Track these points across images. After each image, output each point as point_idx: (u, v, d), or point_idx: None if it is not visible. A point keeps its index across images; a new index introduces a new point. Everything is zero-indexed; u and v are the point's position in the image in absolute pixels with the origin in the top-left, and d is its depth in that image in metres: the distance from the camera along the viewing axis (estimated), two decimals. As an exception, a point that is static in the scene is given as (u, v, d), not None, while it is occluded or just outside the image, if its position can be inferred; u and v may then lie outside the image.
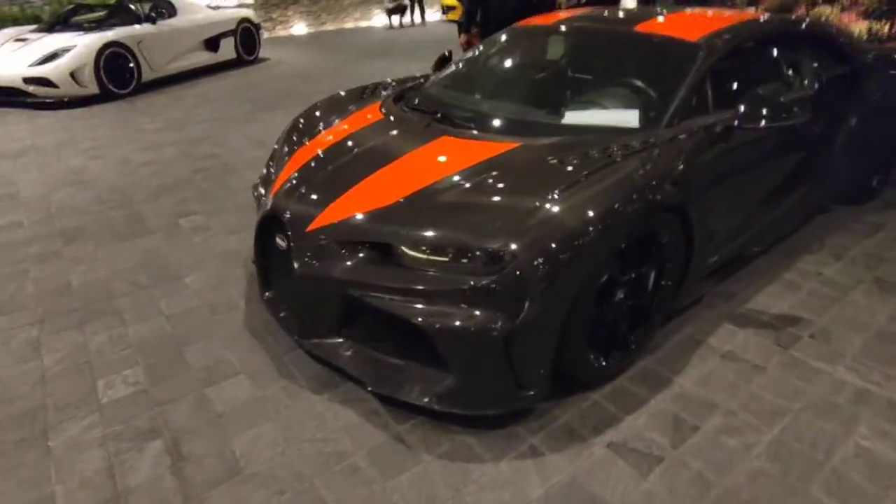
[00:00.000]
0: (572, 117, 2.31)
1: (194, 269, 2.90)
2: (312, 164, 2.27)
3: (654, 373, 2.09)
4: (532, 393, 1.79)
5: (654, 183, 1.86)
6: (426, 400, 1.79)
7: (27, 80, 6.13)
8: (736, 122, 2.15)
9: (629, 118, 2.23)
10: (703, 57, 2.30)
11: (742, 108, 2.16)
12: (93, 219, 3.52)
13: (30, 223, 3.49)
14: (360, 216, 1.90)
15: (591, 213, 1.71)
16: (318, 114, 2.84)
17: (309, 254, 1.93)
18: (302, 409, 1.96)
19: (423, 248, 1.75)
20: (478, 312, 1.65)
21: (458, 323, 1.65)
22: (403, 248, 1.78)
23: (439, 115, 2.41)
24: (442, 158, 2.09)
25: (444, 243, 1.73)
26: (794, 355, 2.17)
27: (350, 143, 2.34)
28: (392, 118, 2.49)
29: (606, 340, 1.97)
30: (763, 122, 2.16)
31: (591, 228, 1.69)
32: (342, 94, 3.06)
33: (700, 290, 2.44)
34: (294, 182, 2.21)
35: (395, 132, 2.34)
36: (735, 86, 2.41)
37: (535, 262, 1.62)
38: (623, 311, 1.98)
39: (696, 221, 2.07)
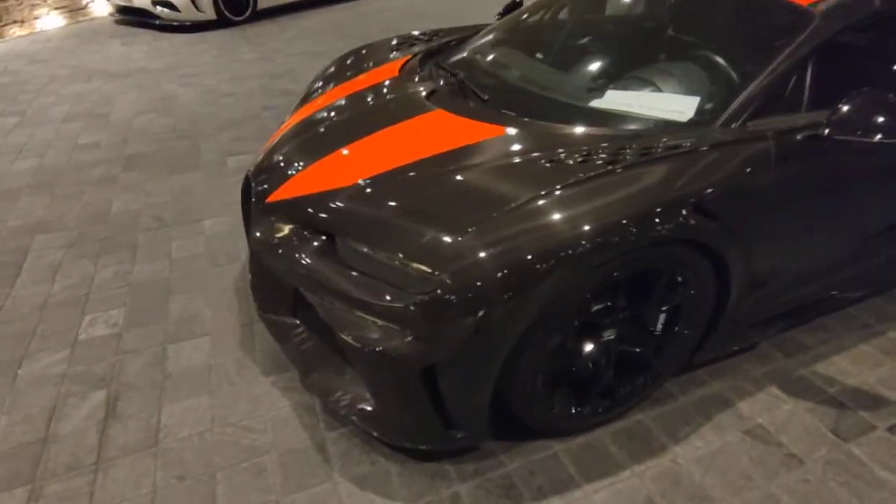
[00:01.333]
0: (605, 99, 1.83)
1: (217, 213, 2.90)
2: (301, 126, 2.06)
3: (646, 432, 1.69)
4: (461, 435, 1.51)
5: (669, 207, 1.40)
6: (351, 414, 1.59)
7: (155, 2, 6.56)
8: (826, 130, 1.55)
9: (679, 107, 1.71)
10: (815, 30, 1.66)
11: (844, 108, 1.53)
12: (158, 147, 3.69)
13: (106, 145, 3.75)
14: (315, 195, 1.68)
15: (555, 240, 1.33)
16: (348, 62, 2.60)
17: (263, 228, 1.77)
18: (244, 388, 1.87)
19: (363, 246, 1.50)
20: (400, 336, 1.39)
21: (377, 344, 1.40)
22: (346, 241, 1.54)
23: (454, 81, 2.06)
24: (424, 136, 1.77)
25: (380, 247, 1.46)
26: (852, 452, 1.63)
27: (344, 106, 2.09)
28: (403, 79, 2.18)
29: (582, 385, 1.62)
30: (878, 135, 1.55)
31: (552, 260, 1.31)
32: (393, 41, 2.77)
33: (749, 338, 1.92)
34: (277, 143, 2.02)
35: (394, 97, 2.03)
36: (849, 76, 1.75)
37: (469, 290, 1.30)
38: (609, 354, 1.60)
39: (739, 264, 1.57)
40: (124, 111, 4.32)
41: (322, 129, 1.98)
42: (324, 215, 1.61)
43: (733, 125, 1.60)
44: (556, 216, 1.36)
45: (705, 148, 1.53)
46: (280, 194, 1.77)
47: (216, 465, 1.61)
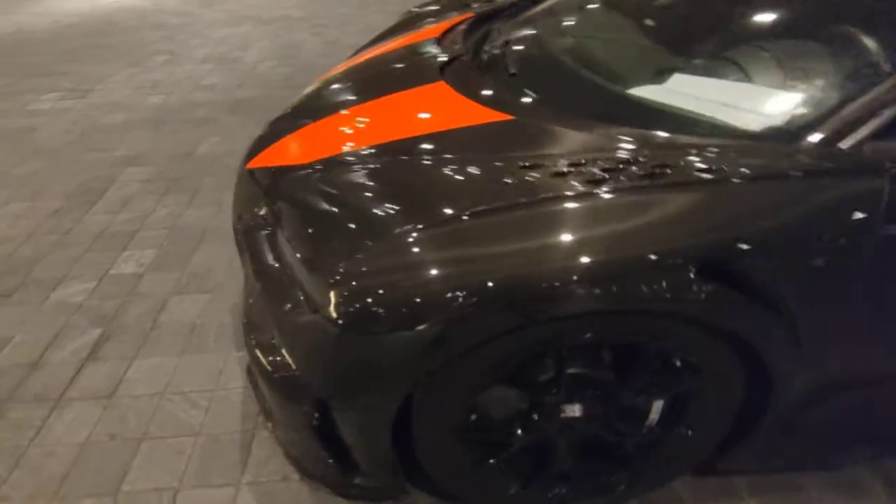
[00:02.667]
0: (662, 86, 1.31)
1: (281, 167, 2.89)
2: (319, 86, 1.86)
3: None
4: (360, 482, 1.24)
5: (656, 266, 0.93)
6: (270, 426, 1.41)
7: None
8: None
9: (753, 112, 1.16)
10: None
11: None
12: (267, 95, 3.80)
13: (222, 88, 3.96)
14: (272, 169, 1.47)
15: (450, 284, 0.96)
16: (410, 18, 2.32)
17: (241, 196, 1.63)
18: (211, 358, 1.79)
19: (286, 243, 1.26)
20: (292, 357, 1.15)
21: (269, 360, 1.18)
22: (280, 231, 1.32)
23: (489, 50, 1.67)
24: (409, 112, 1.45)
25: (294, 247, 1.21)
26: None
27: (364, 67, 1.83)
28: (433, 43, 1.82)
29: (529, 462, 1.23)
30: None
31: (459, 300, 0.94)
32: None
33: (813, 457, 1.32)
34: (293, 103, 1.85)
35: (412, 61, 1.71)
36: None
37: (349, 323, 1.00)
38: (571, 433, 1.18)
39: (789, 363, 1.04)
40: (253, 56, 4.55)
41: (327, 92, 1.75)
42: (275, 196, 1.41)
43: (839, 146, 1.03)
44: (467, 250, 1.00)
45: (765, 174, 1.00)
46: (257, 161, 1.61)
47: (148, 432, 1.57)
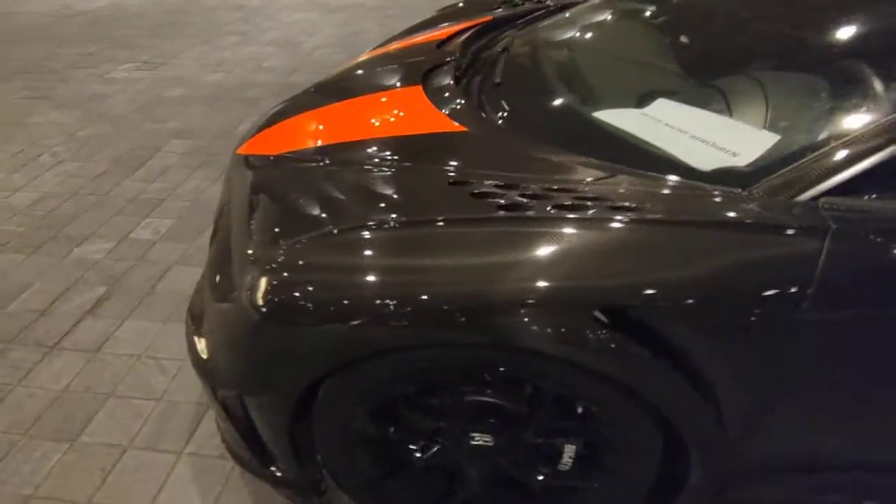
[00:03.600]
0: (628, 116, 1.22)
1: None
2: (332, 75, 1.90)
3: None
4: (280, 474, 1.26)
5: (560, 304, 0.89)
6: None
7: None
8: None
9: (718, 148, 1.06)
10: None
11: None
12: (315, 80, 3.91)
13: (278, 71, 4.13)
14: (245, 157, 1.52)
15: (337, 293, 0.98)
16: (436, 17, 2.31)
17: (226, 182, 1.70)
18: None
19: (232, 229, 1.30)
20: (212, 341, 1.19)
21: (198, 346, 1.23)
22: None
23: (486, 56, 1.64)
24: (375, 114, 1.45)
25: (238, 236, 1.25)
26: None
27: (365, 63, 1.84)
28: (433, 46, 1.79)
29: (439, 484, 1.20)
30: None
31: (329, 314, 0.97)
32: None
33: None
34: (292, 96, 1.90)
35: (404, 62, 1.69)
36: None
37: (247, 318, 1.03)
38: (481, 462, 1.14)
39: (707, 434, 0.96)
40: (314, 42, 4.70)
41: (318, 88, 1.79)
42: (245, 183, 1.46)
43: (797, 198, 0.93)
44: (362, 261, 1.00)
45: (692, 220, 0.91)
46: (245, 147, 1.67)
47: (116, 391, 1.69)
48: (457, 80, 1.51)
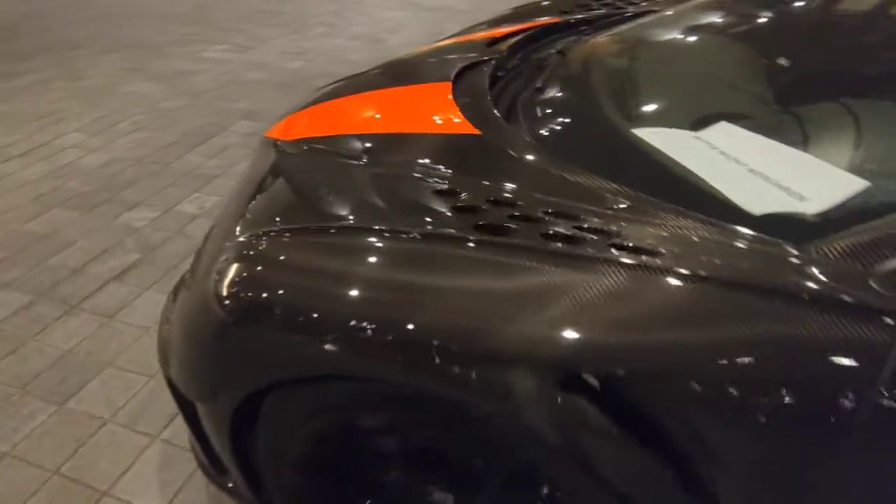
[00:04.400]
0: (679, 138, 0.99)
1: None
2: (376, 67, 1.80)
3: None
4: (230, 485, 1.15)
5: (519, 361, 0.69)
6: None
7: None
8: None
9: (780, 188, 0.82)
10: None
11: None
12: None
13: (356, 64, 4.12)
14: (267, 140, 1.44)
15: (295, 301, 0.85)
16: (509, 14, 2.15)
17: None
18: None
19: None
20: (173, 333, 1.11)
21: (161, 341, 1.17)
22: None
23: (538, 57, 1.45)
24: (398, 107, 1.33)
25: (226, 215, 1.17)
26: None
27: (420, 54, 1.72)
28: (491, 43, 1.63)
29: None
30: None
31: (277, 318, 0.84)
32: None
33: None
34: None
35: (447, 57, 1.54)
36: None
37: (199, 315, 0.94)
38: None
39: None
40: (398, 40, 4.68)
41: (363, 76, 1.68)
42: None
43: (877, 265, 0.68)
44: (338, 268, 0.85)
45: (718, 277, 0.69)
46: (272, 129, 1.61)
47: (116, 361, 1.67)
48: (493, 80, 1.35)
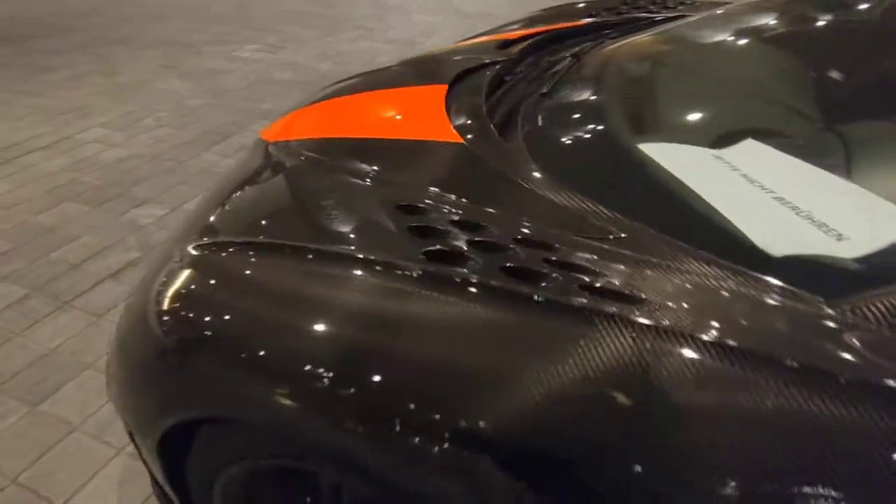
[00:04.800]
0: (698, 156, 0.84)
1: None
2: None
3: None
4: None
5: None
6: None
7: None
8: None
9: (812, 222, 0.66)
10: None
11: None
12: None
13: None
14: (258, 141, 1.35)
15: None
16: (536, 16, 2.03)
17: None
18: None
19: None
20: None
21: None
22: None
23: (548, 61, 1.32)
24: (387, 110, 1.23)
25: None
26: None
27: (434, 55, 1.61)
28: (506, 44, 1.51)
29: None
30: None
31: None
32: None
33: None
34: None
35: (451, 59, 1.42)
36: None
37: (159, 310, 0.82)
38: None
39: None
40: (432, 44, 4.59)
41: (363, 76, 1.58)
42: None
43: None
44: (286, 294, 0.74)
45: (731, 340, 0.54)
46: (268, 132, 1.52)
47: (96, 364, 1.60)
48: (497, 84, 1.22)
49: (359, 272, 0.68)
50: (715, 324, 0.56)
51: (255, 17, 5.33)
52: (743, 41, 1.25)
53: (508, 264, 0.63)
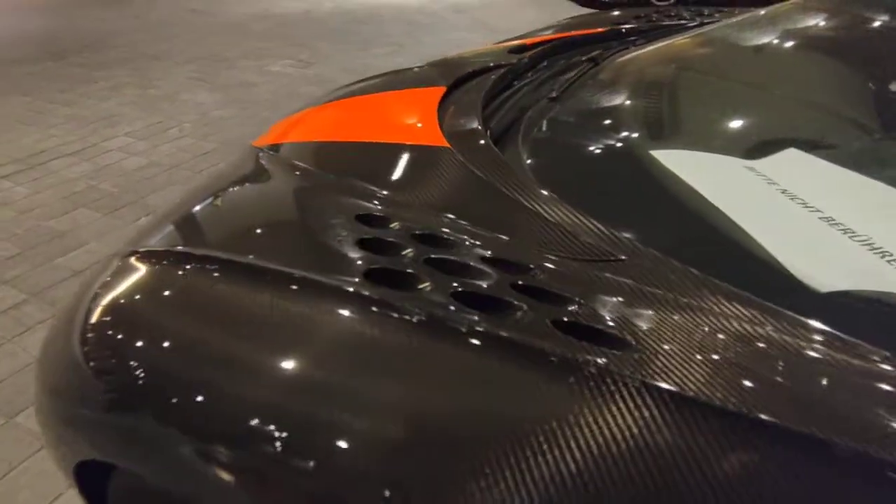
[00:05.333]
0: (713, 163, 0.69)
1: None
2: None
3: None
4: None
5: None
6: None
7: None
8: None
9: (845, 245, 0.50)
10: None
11: None
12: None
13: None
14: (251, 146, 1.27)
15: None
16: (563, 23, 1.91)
17: None
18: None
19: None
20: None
21: None
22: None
23: (562, 65, 1.19)
24: (382, 113, 1.12)
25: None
26: None
27: (451, 59, 1.51)
28: (520, 49, 1.39)
29: None
30: None
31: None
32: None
33: None
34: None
35: (457, 63, 1.31)
36: None
37: (87, 325, 0.72)
38: None
39: None
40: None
41: (372, 80, 1.49)
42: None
43: None
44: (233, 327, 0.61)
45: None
46: (263, 137, 1.45)
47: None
48: (498, 88, 1.10)
49: (286, 290, 0.56)
50: (733, 385, 0.41)
51: (293, 34, 5.41)
52: (788, 43, 1.09)
53: (462, 289, 0.50)
